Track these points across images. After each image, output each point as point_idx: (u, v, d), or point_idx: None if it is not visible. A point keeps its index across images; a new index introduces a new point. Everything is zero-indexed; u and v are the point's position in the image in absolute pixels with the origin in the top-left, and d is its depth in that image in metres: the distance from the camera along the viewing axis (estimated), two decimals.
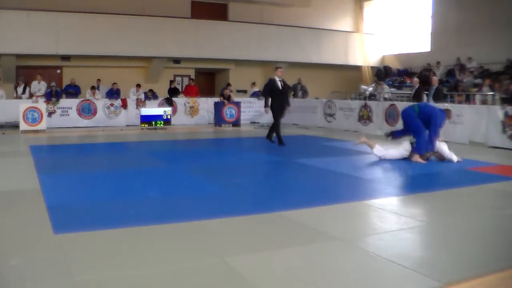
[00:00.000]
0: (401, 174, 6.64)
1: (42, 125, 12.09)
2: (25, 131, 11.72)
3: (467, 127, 9.97)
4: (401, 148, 7.50)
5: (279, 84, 9.34)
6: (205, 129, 13.73)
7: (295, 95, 15.96)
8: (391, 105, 12.05)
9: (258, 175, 6.72)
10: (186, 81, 17.55)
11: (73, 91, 14.46)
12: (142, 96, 14.55)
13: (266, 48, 17.91)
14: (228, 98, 14.54)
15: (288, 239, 3.61)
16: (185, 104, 14.97)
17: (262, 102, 14.18)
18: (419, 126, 7.28)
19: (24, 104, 12.16)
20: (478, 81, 14.52)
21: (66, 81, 15.50)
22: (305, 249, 3.37)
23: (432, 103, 10.18)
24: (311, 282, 2.80)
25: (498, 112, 9.45)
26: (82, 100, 13.74)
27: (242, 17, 18.25)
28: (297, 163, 7.34)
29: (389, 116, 11.92)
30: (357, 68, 20.34)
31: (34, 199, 4.67)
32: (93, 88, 14.18)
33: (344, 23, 20.60)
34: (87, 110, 13.67)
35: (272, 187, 5.74)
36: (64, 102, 13.51)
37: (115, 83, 14.78)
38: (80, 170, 6.61)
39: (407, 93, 14.90)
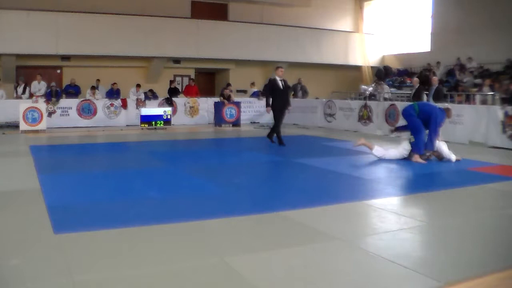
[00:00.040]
0: (401, 174, 6.64)
1: (42, 125, 12.09)
2: (25, 131, 11.72)
3: (467, 127, 9.97)
4: (401, 148, 7.51)
5: (280, 83, 9.32)
6: (205, 129, 13.73)
7: (295, 95, 15.96)
8: (391, 105, 12.05)
9: (258, 175, 6.72)
10: (186, 81, 17.55)
11: (73, 91, 14.46)
12: (142, 96, 14.55)
13: (266, 48, 17.90)
14: (228, 98, 14.53)
15: (288, 239, 3.61)
16: (185, 104, 14.97)
17: (262, 102, 14.26)
18: (419, 125, 7.29)
19: (24, 104, 12.15)
20: (478, 81, 14.53)
21: (66, 81, 15.50)
22: (304, 249, 3.36)
23: (432, 103, 10.18)
24: (311, 282, 2.80)
25: (498, 112, 9.46)
26: (82, 100, 13.74)
27: (242, 17, 18.25)
28: (297, 163, 7.34)
29: (389, 116, 11.92)
30: (357, 68, 20.34)
31: (34, 199, 4.67)
32: (93, 88, 14.19)
33: (344, 23, 20.59)
34: (87, 110, 13.67)
35: (272, 187, 5.74)
36: (64, 102, 13.52)
37: (115, 83, 14.80)
38: (80, 170, 6.61)
39: (407, 93, 14.89)
